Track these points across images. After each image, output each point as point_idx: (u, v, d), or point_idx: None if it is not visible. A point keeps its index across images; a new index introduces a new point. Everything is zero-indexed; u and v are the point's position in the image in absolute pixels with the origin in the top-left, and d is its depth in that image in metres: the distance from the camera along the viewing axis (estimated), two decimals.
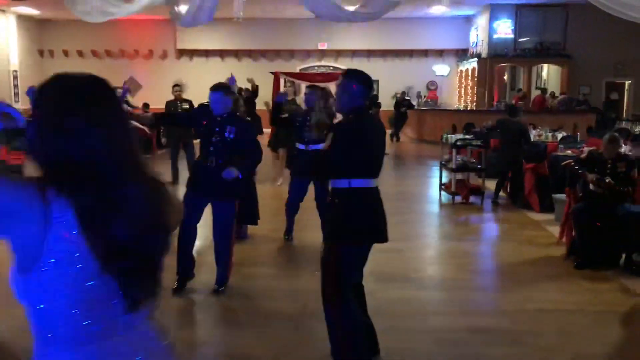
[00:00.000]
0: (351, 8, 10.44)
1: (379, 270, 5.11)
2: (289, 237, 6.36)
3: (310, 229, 6.60)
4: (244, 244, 6.17)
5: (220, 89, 4.50)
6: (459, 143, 8.50)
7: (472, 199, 8.52)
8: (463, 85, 20.63)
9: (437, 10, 19.47)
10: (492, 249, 6.20)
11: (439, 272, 5.23)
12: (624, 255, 5.37)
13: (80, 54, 22.97)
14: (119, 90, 9.73)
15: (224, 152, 4.42)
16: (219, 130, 4.45)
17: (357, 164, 3.12)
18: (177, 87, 10.26)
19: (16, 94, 20.91)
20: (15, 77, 21.36)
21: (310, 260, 5.39)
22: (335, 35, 21.70)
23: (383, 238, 3.30)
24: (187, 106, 10.04)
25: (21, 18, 21.45)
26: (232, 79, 6.29)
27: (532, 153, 8.00)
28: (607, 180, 5.32)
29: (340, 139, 3.09)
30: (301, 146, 6.04)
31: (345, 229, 3.19)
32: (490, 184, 9.40)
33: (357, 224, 3.18)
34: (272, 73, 20.56)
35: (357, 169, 3.13)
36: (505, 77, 20.71)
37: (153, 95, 18.79)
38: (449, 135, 8.89)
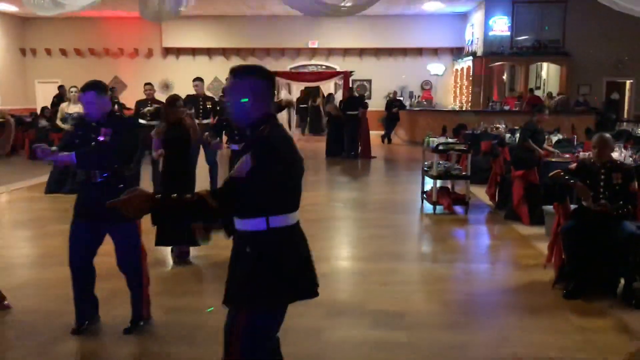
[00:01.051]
0: (331, 1, 9.70)
1: (330, 300, 4.32)
2: None
3: None
4: (182, 267, 5.38)
5: (92, 87, 3.70)
6: (440, 147, 7.70)
7: (456, 208, 7.73)
8: (459, 85, 19.82)
9: (431, 6, 18.68)
10: (470, 272, 5.39)
11: (403, 304, 4.42)
12: (622, 283, 4.56)
13: (63, 52, 22.26)
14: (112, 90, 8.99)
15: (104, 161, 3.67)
16: (95, 137, 3.68)
17: (280, 195, 2.24)
18: (149, 85, 9.37)
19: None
20: None
21: None
22: (326, 33, 20.93)
23: (312, 293, 2.39)
24: (210, 105, 9.07)
25: (1, 15, 20.71)
26: None
27: (521, 158, 7.19)
28: (602, 202, 4.53)
29: (260, 163, 2.15)
30: (234, 146, 5.78)
31: (261, 289, 2.24)
32: (479, 191, 8.62)
33: (277, 279, 2.25)
34: None
35: (280, 201, 2.25)
36: (505, 77, 19.88)
37: (138, 95, 18.07)
38: (430, 139, 8.07)
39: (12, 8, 20.23)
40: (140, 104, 9.38)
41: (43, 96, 20.93)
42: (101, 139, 3.63)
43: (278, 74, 20.09)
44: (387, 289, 4.81)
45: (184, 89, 17.62)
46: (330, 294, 4.55)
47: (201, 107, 8.81)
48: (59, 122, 9.28)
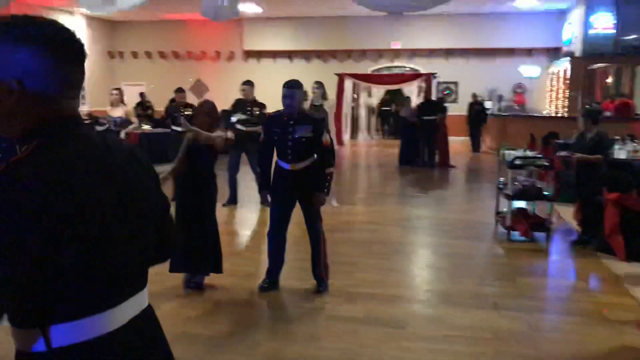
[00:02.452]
0: None
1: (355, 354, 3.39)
2: (266, 284, 4.80)
3: (297, 273, 4.98)
4: (189, 297, 4.63)
5: None
6: (517, 162, 6.51)
7: (536, 235, 6.52)
8: (554, 89, 18.02)
9: (525, 3, 17.09)
10: (540, 326, 4.25)
11: None
12: None
13: (148, 55, 22.61)
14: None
15: None
16: None
17: (71, 278, 1.15)
18: (245, 85, 8.43)
19: (83, 97, 20.72)
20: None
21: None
22: (410, 34, 19.83)
23: None
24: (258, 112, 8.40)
25: (91, 20, 21.28)
26: None
27: (614, 177, 5.87)
28: None
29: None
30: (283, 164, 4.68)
31: None
32: (568, 213, 7.32)
33: None
34: (337, 75, 19.06)
35: (73, 293, 1.16)
36: (609, 80, 17.84)
37: (220, 97, 17.92)
38: (506, 151, 6.88)
39: (101, 12, 20.72)
40: (238, 103, 8.48)
41: (129, 98, 21.33)
42: None
43: (358, 76, 19.26)
44: (420, 348, 3.80)
45: (265, 93, 17.25)
46: (329, 355, 3.64)
47: (248, 112, 8.08)
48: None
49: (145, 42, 22.52)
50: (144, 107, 18.44)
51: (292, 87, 4.52)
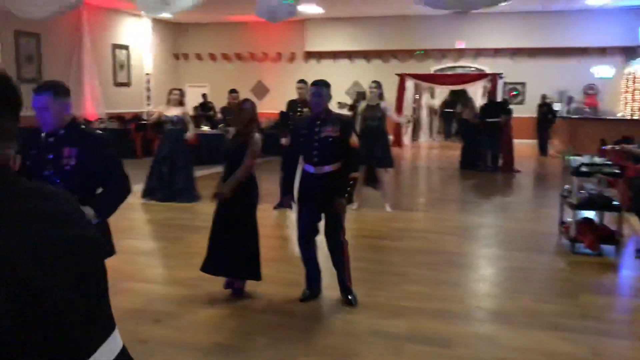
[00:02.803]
0: None
1: None
2: (306, 294, 4.62)
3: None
4: (227, 308, 4.47)
5: (48, 88, 2.89)
6: (583, 169, 6.04)
7: (604, 247, 6.03)
8: (630, 90, 16.99)
9: (597, 0, 16.19)
10: (602, 351, 3.84)
11: None
12: None
13: (212, 57, 22.94)
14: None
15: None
16: (54, 158, 2.88)
17: None
18: (301, 82, 8.37)
19: (148, 97, 21.24)
20: (148, 81, 21.74)
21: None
22: (475, 33, 19.21)
23: None
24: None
25: (157, 22, 21.79)
26: None
27: None
28: None
29: None
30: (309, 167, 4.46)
31: None
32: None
33: None
34: (397, 75, 18.69)
35: None
36: None
37: (280, 98, 17.96)
38: (571, 157, 6.40)
39: (167, 15, 21.18)
40: (290, 104, 8.31)
41: (193, 99, 21.72)
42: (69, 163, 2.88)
43: (420, 76, 18.81)
44: None
45: None
46: None
47: (298, 113, 7.84)
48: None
49: (208, 44, 22.87)
50: (205, 108, 18.73)
51: (318, 85, 4.38)
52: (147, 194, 8.64)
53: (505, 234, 7.07)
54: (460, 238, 6.80)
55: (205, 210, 8.19)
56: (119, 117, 17.98)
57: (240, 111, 4.63)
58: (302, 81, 8.03)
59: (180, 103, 8.67)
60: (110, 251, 3.13)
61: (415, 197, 9.86)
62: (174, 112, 8.44)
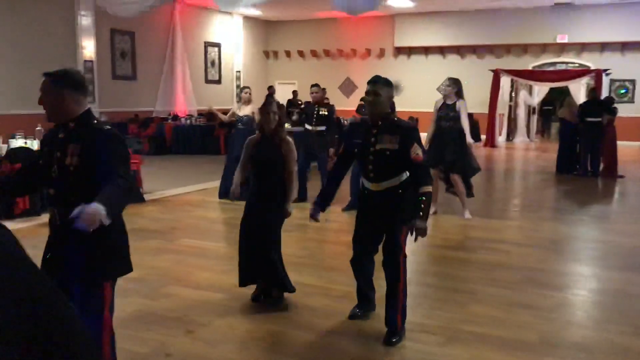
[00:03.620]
0: None
1: None
2: (357, 312, 4.12)
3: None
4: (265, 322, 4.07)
5: (50, 74, 2.64)
6: None
7: None
8: None
9: None
10: None
11: None
12: None
13: (301, 54, 22.86)
14: None
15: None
16: (60, 156, 2.56)
17: None
18: (315, 87, 8.41)
19: (238, 95, 21.45)
20: (238, 78, 21.98)
21: None
22: (579, 26, 17.82)
23: None
24: (325, 112, 8.17)
25: (247, 20, 21.97)
26: None
27: None
28: None
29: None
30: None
31: None
32: None
33: None
34: (491, 71, 17.65)
35: None
36: None
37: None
38: None
39: (256, 12, 21.31)
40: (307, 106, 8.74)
41: (282, 96, 21.74)
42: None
43: (517, 72, 17.65)
44: None
45: (414, 91, 16.52)
46: None
47: (315, 114, 8.21)
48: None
49: (298, 41, 22.78)
50: (291, 106, 18.60)
51: (376, 82, 3.63)
52: (223, 194, 8.47)
53: (602, 250, 6.21)
54: (547, 252, 6.03)
55: None
56: (208, 114, 18.24)
57: (268, 111, 4.20)
58: (316, 85, 8.42)
59: (250, 101, 8.43)
60: (125, 269, 2.73)
61: (500, 203, 9.05)
62: (245, 111, 8.21)
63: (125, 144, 2.74)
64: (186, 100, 19.05)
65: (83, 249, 2.42)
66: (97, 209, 2.27)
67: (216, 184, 8.77)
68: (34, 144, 7.61)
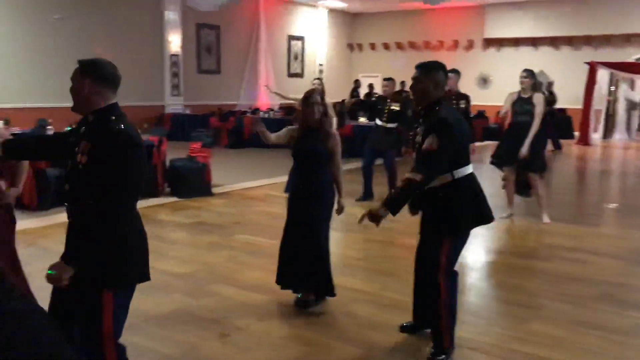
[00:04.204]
0: None
1: None
2: (407, 325, 3.81)
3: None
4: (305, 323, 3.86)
5: (80, 62, 2.50)
6: None
7: None
8: None
9: None
10: None
11: None
12: None
13: (385, 46, 22.50)
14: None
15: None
16: (76, 152, 2.44)
17: None
18: (388, 80, 8.06)
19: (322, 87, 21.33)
20: (321, 71, 21.90)
21: None
22: None
23: None
24: (397, 108, 7.80)
25: (332, 12, 21.83)
26: None
27: None
28: None
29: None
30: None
31: None
32: None
33: None
34: (587, 63, 16.45)
35: None
36: None
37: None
38: None
39: (341, 5, 21.12)
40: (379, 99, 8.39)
41: (364, 90, 21.47)
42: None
43: (617, 65, 16.37)
44: None
45: (503, 84, 15.68)
46: None
47: (386, 109, 7.79)
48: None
49: (383, 33, 22.38)
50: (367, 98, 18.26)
51: (415, 69, 3.32)
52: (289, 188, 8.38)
53: None
54: (632, 265, 5.42)
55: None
56: (289, 108, 18.28)
57: (311, 102, 3.97)
58: (389, 79, 8.08)
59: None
60: (131, 279, 2.50)
61: (586, 207, 8.34)
62: None
63: (135, 150, 2.38)
64: (269, 93, 19.19)
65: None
66: (61, 269, 2.25)
67: (285, 178, 8.66)
68: None
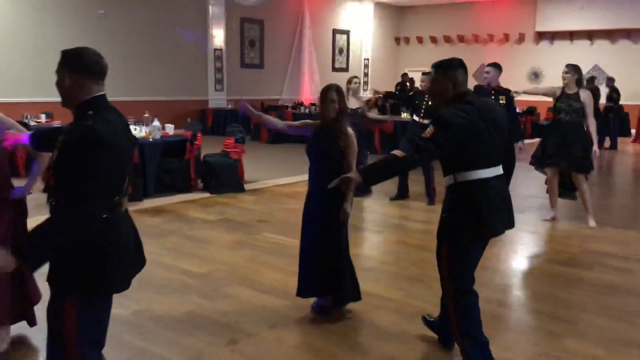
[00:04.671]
0: None
1: None
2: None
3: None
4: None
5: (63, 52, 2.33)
6: None
7: None
8: None
9: None
10: None
11: None
12: None
13: (433, 40, 22.00)
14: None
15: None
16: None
17: None
18: (426, 75, 7.73)
19: (366, 83, 21.05)
20: (366, 66, 21.61)
21: None
22: None
23: None
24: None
25: (378, 5, 21.48)
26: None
27: None
28: None
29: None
30: None
31: None
32: None
33: None
34: None
35: None
36: None
37: (506, 83, 16.39)
38: None
39: None
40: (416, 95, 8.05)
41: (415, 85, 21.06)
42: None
43: None
44: None
45: (557, 79, 14.95)
46: None
47: (424, 105, 7.51)
48: None
49: (431, 27, 21.88)
50: (402, 91, 17.80)
51: (435, 67, 3.02)
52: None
53: None
54: None
55: (374, 208, 7.46)
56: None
57: (326, 99, 3.73)
58: (427, 74, 7.48)
59: (358, 92, 8.00)
60: (102, 289, 2.27)
61: (638, 211, 7.81)
62: (354, 103, 7.70)
63: (103, 150, 2.13)
64: (312, 88, 19.01)
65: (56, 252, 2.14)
66: (5, 258, 2.06)
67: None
68: (143, 131, 7.80)
